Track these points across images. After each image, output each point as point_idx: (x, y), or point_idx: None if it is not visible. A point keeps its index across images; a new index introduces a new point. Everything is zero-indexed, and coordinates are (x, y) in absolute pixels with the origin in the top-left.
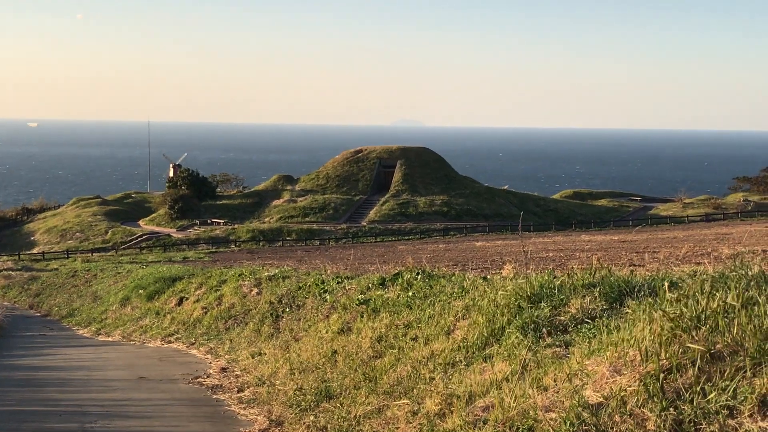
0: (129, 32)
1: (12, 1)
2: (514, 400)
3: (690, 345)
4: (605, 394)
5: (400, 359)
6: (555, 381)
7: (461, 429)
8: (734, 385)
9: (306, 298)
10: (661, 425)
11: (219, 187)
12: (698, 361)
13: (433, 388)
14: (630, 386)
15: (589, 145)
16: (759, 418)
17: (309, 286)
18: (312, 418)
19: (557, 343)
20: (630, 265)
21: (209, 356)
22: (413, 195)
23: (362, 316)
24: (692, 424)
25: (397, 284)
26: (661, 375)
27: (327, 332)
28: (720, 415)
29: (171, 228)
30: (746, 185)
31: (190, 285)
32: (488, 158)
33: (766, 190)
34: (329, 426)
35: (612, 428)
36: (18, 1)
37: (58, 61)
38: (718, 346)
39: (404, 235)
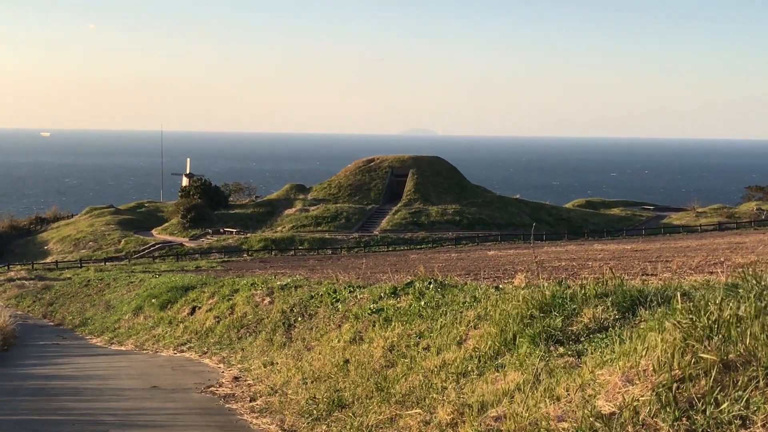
0: (141, 42)
1: (25, 11)
2: (527, 410)
3: (702, 355)
4: (618, 404)
5: (412, 369)
6: (567, 391)
7: None
8: (747, 395)
9: (318, 307)
10: None
11: (231, 196)
12: (711, 371)
13: (445, 398)
14: (642, 396)
15: (601, 154)
16: None
17: (321, 295)
18: (324, 427)
19: (569, 352)
20: (643, 275)
21: (222, 365)
22: (425, 204)
23: (374, 326)
24: None
25: (409, 294)
26: (674, 385)
27: (339, 341)
28: (733, 425)
29: (184, 237)
30: (759, 194)
31: (203, 294)
32: (500, 167)
33: None
34: None
35: None
36: (31, 12)
37: (71, 71)
38: (730, 356)
39: (416, 245)
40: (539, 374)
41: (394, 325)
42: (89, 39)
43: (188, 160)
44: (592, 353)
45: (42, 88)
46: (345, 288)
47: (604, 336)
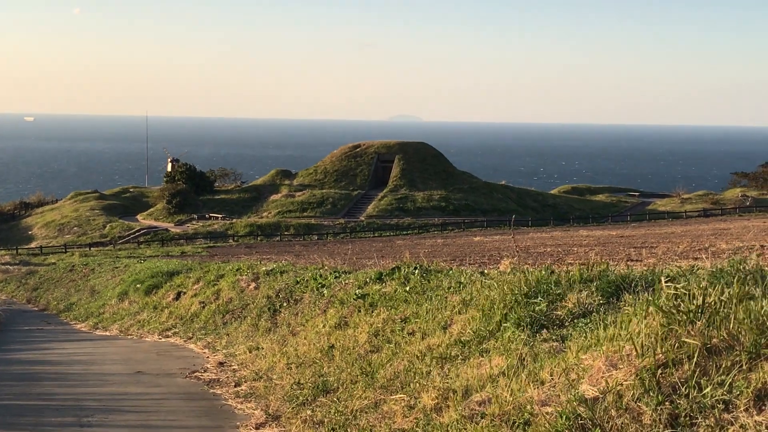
0: (126, 26)
1: None
2: (511, 395)
3: (686, 339)
4: (601, 388)
5: (396, 354)
6: (551, 375)
7: (457, 423)
8: (730, 380)
9: (304, 292)
10: (657, 419)
11: (217, 181)
12: (694, 355)
13: (429, 383)
14: (626, 380)
15: (587, 140)
16: (754, 412)
17: (307, 280)
18: (309, 412)
19: (554, 337)
20: (627, 260)
21: (206, 351)
22: (411, 190)
23: (359, 311)
24: (688, 418)
25: (394, 279)
26: (657, 369)
27: (324, 327)
28: (716, 410)
29: (169, 222)
30: (744, 181)
31: (188, 279)
32: (486, 154)
33: (764, 186)
34: (326, 420)
35: (608, 422)
36: None
37: (55, 55)
38: (714, 340)
39: (402, 230)
40: (524, 359)
41: (379, 311)
42: (74, 23)
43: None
44: (576, 338)
45: (26, 72)
46: (330, 273)
47: (588, 321)
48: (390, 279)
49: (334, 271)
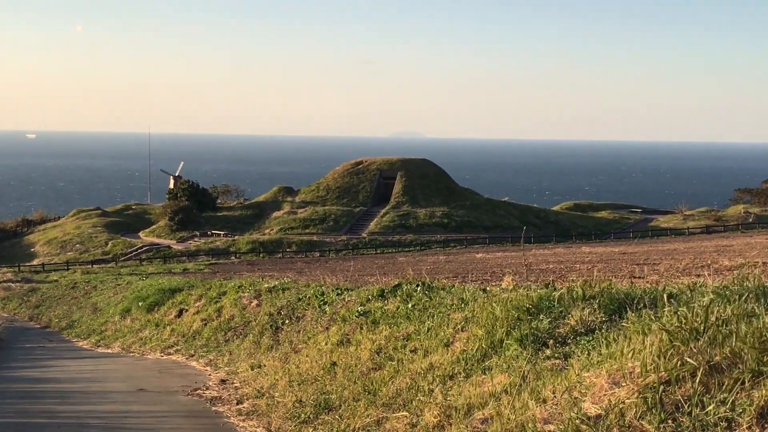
0: (129, 43)
1: (11, 11)
2: (513, 413)
3: (688, 358)
4: (604, 406)
5: (399, 371)
6: (554, 393)
7: None
8: (733, 397)
9: (306, 309)
10: None
11: (219, 198)
12: (697, 373)
13: (432, 400)
14: (629, 398)
15: (590, 157)
16: (757, 430)
17: (309, 297)
18: (311, 430)
19: (556, 355)
20: (630, 277)
21: (208, 368)
22: (413, 207)
23: (362, 328)
24: None
25: (396, 296)
26: (660, 387)
27: (326, 344)
28: (718, 427)
29: (171, 239)
30: (747, 197)
31: (190, 297)
32: (489, 170)
33: (766, 202)
34: None
35: None
36: (17, 12)
37: (57, 72)
38: (716, 358)
39: (404, 247)
40: (526, 376)
41: (382, 328)
42: (76, 40)
43: (182, 164)
44: (578, 355)
45: (28, 90)
46: (332, 290)
47: (590, 338)
48: (392, 296)
49: (336, 288)
